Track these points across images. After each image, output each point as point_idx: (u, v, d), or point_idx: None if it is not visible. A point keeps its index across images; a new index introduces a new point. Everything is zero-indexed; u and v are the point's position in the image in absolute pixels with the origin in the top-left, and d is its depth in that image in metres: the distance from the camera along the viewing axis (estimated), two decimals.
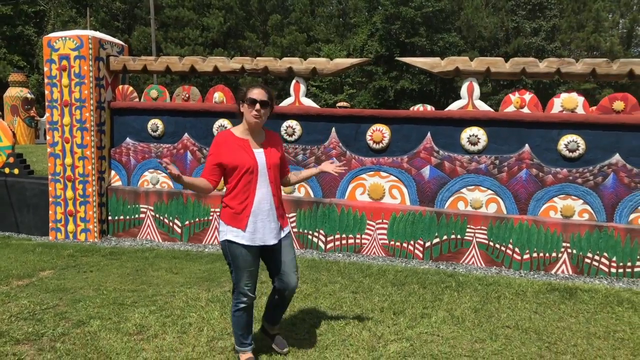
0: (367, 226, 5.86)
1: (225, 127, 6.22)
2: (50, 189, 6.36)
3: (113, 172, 6.63)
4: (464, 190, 5.67)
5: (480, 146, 5.57)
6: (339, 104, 19.43)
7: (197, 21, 29.93)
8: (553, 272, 5.41)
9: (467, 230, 5.58)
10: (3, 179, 6.68)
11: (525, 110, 5.52)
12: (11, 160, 6.73)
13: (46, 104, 6.34)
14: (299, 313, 3.92)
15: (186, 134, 6.39)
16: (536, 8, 28.81)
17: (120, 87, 6.59)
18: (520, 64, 5.51)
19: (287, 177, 3.25)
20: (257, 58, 6.24)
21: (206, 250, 6.02)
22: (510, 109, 5.56)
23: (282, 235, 3.04)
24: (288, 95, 6.26)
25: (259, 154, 2.93)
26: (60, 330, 3.52)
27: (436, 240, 5.67)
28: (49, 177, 6.37)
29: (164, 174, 6.51)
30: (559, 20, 29.11)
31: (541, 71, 5.47)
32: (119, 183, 6.63)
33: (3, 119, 18.81)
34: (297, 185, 6.12)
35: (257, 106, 2.85)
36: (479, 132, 5.56)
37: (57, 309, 3.94)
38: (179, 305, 4.05)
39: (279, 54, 28.81)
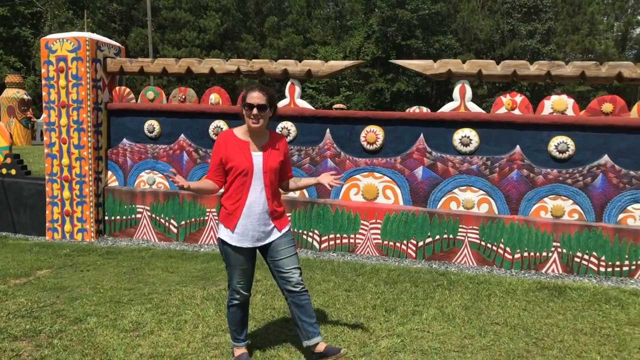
0: (361, 226, 5.94)
1: (222, 128, 6.30)
2: (47, 189, 6.42)
3: (110, 173, 6.69)
4: (456, 190, 5.76)
5: (472, 147, 5.66)
6: (335, 106, 19.51)
7: (194, 23, 30.00)
8: (543, 271, 5.50)
9: (459, 230, 5.66)
10: (0, 180, 6.73)
11: (517, 112, 5.61)
12: (8, 160, 6.79)
13: (43, 105, 6.41)
14: None
15: (182, 135, 6.46)
16: (531, 11, 29.00)
17: (117, 88, 6.66)
18: (511, 66, 5.60)
19: (286, 182, 3.21)
20: (253, 60, 6.32)
21: (202, 249, 6.09)
22: (502, 110, 5.66)
23: (278, 235, 3.03)
24: (284, 96, 6.33)
25: (257, 156, 2.93)
26: (58, 327, 3.59)
27: (429, 239, 5.76)
28: (46, 177, 6.43)
29: (160, 175, 6.57)
30: (554, 23, 29.31)
31: (532, 74, 5.57)
32: (115, 183, 6.70)
33: (0, 120, 18.82)
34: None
35: (255, 111, 2.86)
36: (471, 134, 5.65)
37: (54, 306, 4.00)
38: (175, 303, 4.12)
39: (276, 55, 28.92)
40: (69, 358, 3.14)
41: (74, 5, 32.10)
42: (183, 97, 6.47)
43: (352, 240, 5.98)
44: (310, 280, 4.79)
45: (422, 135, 5.84)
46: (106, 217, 6.63)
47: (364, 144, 5.96)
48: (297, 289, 3.02)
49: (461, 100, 5.72)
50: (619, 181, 5.37)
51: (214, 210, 6.32)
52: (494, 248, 5.60)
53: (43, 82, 6.41)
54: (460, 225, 5.66)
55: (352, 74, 29.48)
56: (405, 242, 5.83)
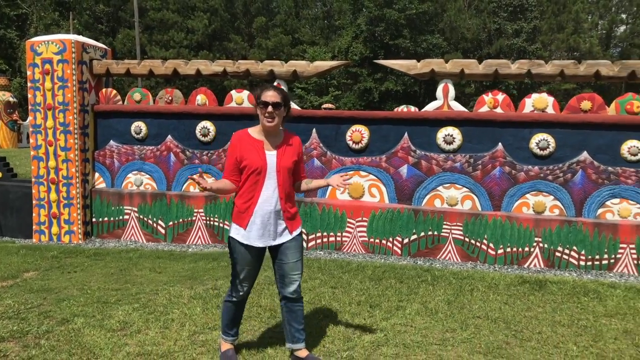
0: (348, 224, 6.02)
1: (208, 129, 6.34)
2: (34, 191, 6.42)
3: (97, 174, 6.71)
4: (440, 188, 5.86)
5: (455, 145, 5.76)
6: (324, 106, 19.59)
7: (182, 24, 29.91)
8: (526, 265, 5.61)
9: (444, 226, 5.76)
10: None
11: (499, 110, 5.72)
12: None
13: (29, 107, 6.41)
14: (279, 307, 4.05)
15: (169, 136, 6.49)
16: (517, 10, 29.29)
17: (104, 90, 6.68)
18: (492, 65, 5.71)
19: (299, 182, 3.18)
20: (239, 61, 6.38)
21: (190, 250, 6.13)
22: (484, 109, 5.76)
23: (289, 237, 3.03)
24: None
25: (271, 156, 2.94)
26: (45, 328, 3.61)
27: (414, 236, 5.85)
28: (33, 179, 6.43)
29: (147, 176, 6.60)
30: (539, 21, 29.62)
31: (513, 72, 5.68)
32: (103, 185, 6.71)
33: None
34: None
35: (270, 108, 2.87)
36: (454, 132, 5.75)
37: (42, 308, 4.03)
38: (162, 303, 4.16)
39: (264, 56, 28.91)
40: (56, 358, 3.18)
41: (60, 6, 31.86)
42: (170, 98, 6.51)
43: (338, 239, 6.06)
44: None
45: (406, 134, 5.93)
46: (94, 219, 6.64)
47: (350, 143, 6.04)
48: (294, 297, 3.07)
49: (444, 99, 5.82)
50: (598, 177, 5.50)
51: (201, 210, 6.36)
52: (478, 244, 5.70)
53: (29, 84, 6.41)
54: (445, 222, 5.76)
55: (340, 74, 29.57)
56: (390, 239, 5.91)
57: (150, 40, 29.73)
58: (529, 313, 4.08)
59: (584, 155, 5.53)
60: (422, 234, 5.83)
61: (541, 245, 5.57)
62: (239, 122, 6.31)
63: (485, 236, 5.68)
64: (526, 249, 5.60)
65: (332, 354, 3.26)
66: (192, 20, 29.97)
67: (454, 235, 5.76)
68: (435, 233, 5.80)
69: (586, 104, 5.52)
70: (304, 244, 6.10)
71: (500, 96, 5.75)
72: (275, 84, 6.21)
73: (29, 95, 6.40)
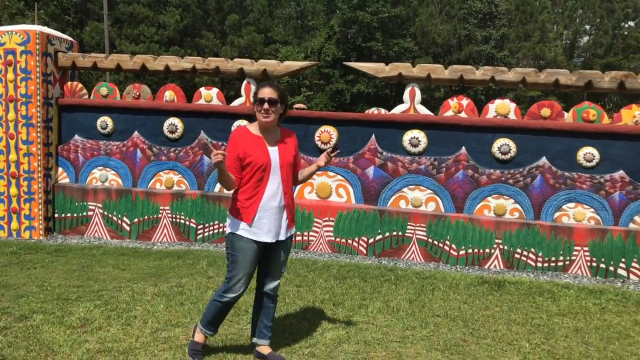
0: (315, 224, 6.07)
1: (176, 126, 6.30)
2: None
3: (60, 169, 6.57)
4: (405, 189, 5.98)
5: (420, 148, 5.89)
6: (295, 106, 19.60)
7: (153, 18, 29.40)
8: (486, 266, 5.79)
9: (408, 227, 5.88)
10: None
11: (463, 114, 5.88)
12: None
13: None
14: (242, 305, 4.08)
15: (136, 132, 6.42)
16: (487, 17, 29.95)
17: (69, 83, 6.55)
18: (458, 71, 5.87)
19: (296, 175, 3.20)
20: (209, 58, 6.35)
21: (155, 247, 6.08)
22: (449, 113, 5.91)
23: (288, 235, 3.06)
24: (240, 95, 6.39)
25: (273, 151, 2.96)
26: (2, 324, 3.54)
27: (379, 236, 5.95)
28: None
29: (113, 172, 6.50)
30: (507, 29, 30.37)
31: (477, 78, 5.84)
32: (66, 180, 6.58)
33: None
34: None
35: (265, 105, 2.88)
36: (420, 135, 5.88)
37: None
38: (125, 300, 4.13)
39: (237, 54, 28.71)
40: (13, 354, 3.12)
41: None
42: (137, 93, 6.43)
43: (305, 238, 6.11)
44: None
45: (373, 136, 6.03)
46: (56, 215, 6.50)
47: (319, 143, 6.10)
48: (272, 294, 3.14)
49: (411, 103, 5.94)
50: (555, 182, 5.72)
51: (167, 208, 6.31)
52: (440, 245, 5.85)
53: None
54: (409, 223, 5.88)
55: (312, 74, 29.64)
56: (356, 239, 6.00)
57: (120, 34, 29.12)
58: (487, 312, 4.22)
59: (543, 160, 5.73)
60: (387, 234, 5.94)
61: (501, 247, 5.75)
62: (207, 120, 6.30)
63: (448, 237, 5.83)
64: (487, 250, 5.78)
65: (294, 351, 3.31)
66: (163, 15, 29.50)
67: (417, 236, 5.89)
68: (400, 233, 5.92)
69: (546, 111, 5.73)
70: None
71: (465, 101, 5.91)
72: (245, 83, 6.23)
73: None
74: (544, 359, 3.36)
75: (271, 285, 3.12)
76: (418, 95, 5.95)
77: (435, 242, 5.86)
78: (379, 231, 5.95)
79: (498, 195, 5.83)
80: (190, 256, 5.59)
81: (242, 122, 6.18)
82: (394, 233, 5.92)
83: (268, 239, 2.95)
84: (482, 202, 5.85)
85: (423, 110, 5.96)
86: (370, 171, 6.04)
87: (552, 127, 5.66)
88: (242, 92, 6.27)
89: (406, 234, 5.90)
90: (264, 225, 2.93)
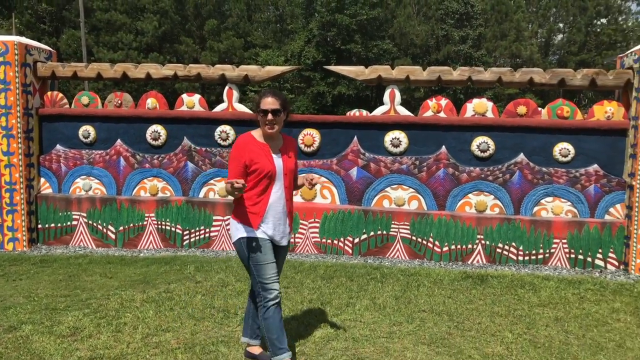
0: (300, 226, 6.14)
1: (159, 133, 6.32)
2: None
3: (43, 180, 6.53)
4: (388, 189, 6.09)
5: (402, 148, 6.01)
6: None
7: (131, 25, 29.19)
8: (469, 262, 5.92)
9: (392, 226, 5.99)
10: None
11: (442, 114, 6.01)
12: None
13: None
14: (232, 308, 4.13)
15: (119, 140, 6.42)
16: (463, 17, 30.37)
17: (49, 93, 6.52)
18: (436, 72, 6.00)
19: (296, 181, 3.23)
20: (190, 65, 6.39)
21: (141, 254, 6.08)
22: (429, 113, 6.04)
23: (288, 239, 3.12)
24: (222, 100, 6.43)
25: (277, 159, 3.00)
26: None
27: (364, 236, 6.05)
28: None
29: (96, 180, 6.49)
30: (484, 29, 30.83)
31: (454, 79, 5.98)
32: (49, 190, 6.55)
33: None
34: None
35: (269, 116, 2.91)
36: (401, 135, 6.00)
37: None
38: (114, 307, 4.15)
39: (216, 59, 28.65)
40: None
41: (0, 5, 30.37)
42: (119, 102, 6.43)
43: (291, 240, 6.16)
44: (250, 279, 4.93)
45: (355, 138, 6.12)
46: (39, 225, 6.46)
47: (302, 146, 6.17)
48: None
49: (391, 104, 6.06)
50: (533, 177, 5.88)
51: (152, 215, 6.32)
52: (424, 242, 5.97)
53: None
54: (393, 222, 5.99)
55: (293, 78, 29.71)
56: (342, 239, 6.09)
57: (98, 42, 28.83)
58: (471, 305, 4.34)
59: (521, 156, 5.89)
60: (372, 233, 6.04)
61: (483, 242, 5.89)
62: (190, 126, 6.33)
63: (431, 234, 5.95)
64: (469, 246, 5.91)
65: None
66: (141, 21, 29.31)
67: (401, 234, 6.00)
68: (384, 232, 6.02)
69: (522, 109, 5.89)
70: None
71: (444, 101, 6.04)
72: (227, 88, 6.28)
73: None
74: (526, 348, 3.48)
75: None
76: (398, 96, 6.06)
77: (419, 240, 5.98)
78: (364, 231, 6.04)
79: (478, 192, 5.97)
80: (177, 262, 5.61)
81: (225, 128, 6.23)
82: (379, 232, 6.02)
83: (274, 240, 3.00)
84: (464, 199, 5.99)
85: (403, 111, 6.08)
86: (354, 172, 6.13)
87: (529, 124, 5.82)
88: (225, 97, 6.31)
89: (390, 233, 6.01)
90: (269, 229, 2.97)
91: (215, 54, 29.70)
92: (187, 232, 6.33)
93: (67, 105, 6.52)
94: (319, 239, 6.13)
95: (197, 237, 6.33)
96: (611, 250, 5.70)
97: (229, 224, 6.14)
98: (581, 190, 5.80)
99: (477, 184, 5.97)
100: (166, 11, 29.68)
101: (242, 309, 4.10)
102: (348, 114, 6.37)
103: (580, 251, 5.74)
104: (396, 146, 6.00)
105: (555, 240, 5.77)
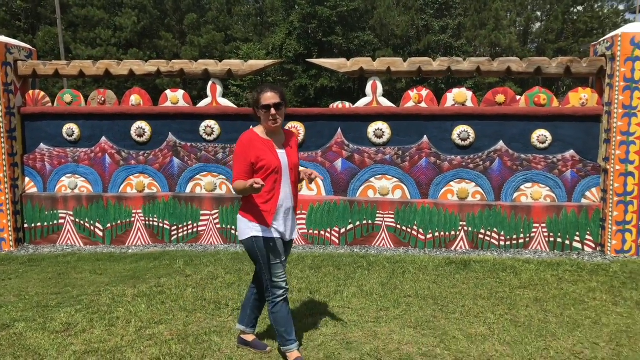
0: None
1: (144, 129, 6.34)
2: None
3: (27, 179, 6.52)
4: (372, 179, 6.21)
5: (385, 139, 6.13)
6: None
7: (109, 21, 28.79)
8: (453, 248, 6.08)
9: (377, 215, 6.12)
10: None
11: (423, 104, 6.13)
12: None
13: None
14: (223, 299, 4.22)
15: (104, 138, 6.42)
16: (443, 7, 30.56)
17: (31, 92, 6.49)
18: (416, 63, 6.11)
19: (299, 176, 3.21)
20: (173, 61, 6.41)
21: (130, 251, 6.12)
22: (410, 104, 6.16)
23: (296, 234, 3.16)
24: (206, 95, 6.47)
25: (282, 154, 2.99)
26: None
27: (350, 226, 6.17)
28: None
29: (82, 178, 6.50)
30: (463, 18, 31.09)
31: (434, 69, 6.10)
32: (34, 190, 6.53)
33: None
34: (218, 183, 6.38)
35: (273, 111, 2.90)
36: (384, 126, 6.11)
37: None
38: (106, 303, 4.20)
39: (197, 53, 28.46)
40: None
41: None
42: (102, 99, 6.43)
43: None
44: (240, 272, 5.02)
45: (339, 130, 6.22)
46: (25, 225, 6.46)
47: None
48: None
49: (373, 96, 6.16)
50: (513, 164, 6.05)
51: (140, 211, 6.36)
52: (409, 230, 6.11)
53: None
54: (378, 211, 6.12)
55: (276, 71, 29.66)
56: (328, 230, 6.20)
57: (75, 38, 28.39)
58: (454, 289, 4.49)
59: (500, 144, 6.05)
60: (358, 223, 6.16)
61: (466, 228, 6.05)
62: (174, 122, 6.36)
63: (415, 223, 6.09)
64: (452, 232, 6.07)
65: (275, 336, 3.47)
66: (119, 17, 28.92)
67: (386, 223, 6.13)
68: (370, 222, 6.14)
69: (500, 98, 6.04)
70: None
71: (424, 92, 6.16)
72: (210, 83, 6.31)
73: None
74: (507, 328, 3.63)
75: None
76: (380, 88, 6.17)
77: (404, 228, 6.12)
78: (350, 221, 6.16)
79: (460, 180, 6.13)
80: (166, 257, 5.67)
81: (210, 123, 6.27)
82: (364, 222, 6.15)
83: (284, 237, 3.04)
84: (446, 187, 6.14)
85: (385, 103, 6.18)
86: (339, 163, 6.24)
87: (507, 113, 5.97)
88: (209, 92, 6.35)
89: (376, 222, 6.14)
90: (280, 226, 3.00)
91: (195, 49, 29.49)
92: (175, 227, 6.38)
93: (50, 104, 6.49)
94: (306, 231, 6.23)
95: (185, 232, 6.38)
96: (588, 232, 5.91)
97: (216, 217, 6.21)
98: (559, 175, 5.99)
99: (458, 172, 6.12)
100: (145, 6, 29.34)
101: (233, 300, 4.20)
102: (331, 106, 6.45)
103: (559, 234, 5.94)
104: (379, 137, 6.12)
105: (535, 225, 5.96)
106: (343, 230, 6.19)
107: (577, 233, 5.92)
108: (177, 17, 31.84)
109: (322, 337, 3.47)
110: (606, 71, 5.80)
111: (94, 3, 28.82)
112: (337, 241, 6.21)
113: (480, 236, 6.05)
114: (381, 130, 6.10)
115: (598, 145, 5.92)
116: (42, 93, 6.51)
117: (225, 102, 6.36)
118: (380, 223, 6.13)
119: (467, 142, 6.05)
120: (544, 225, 5.94)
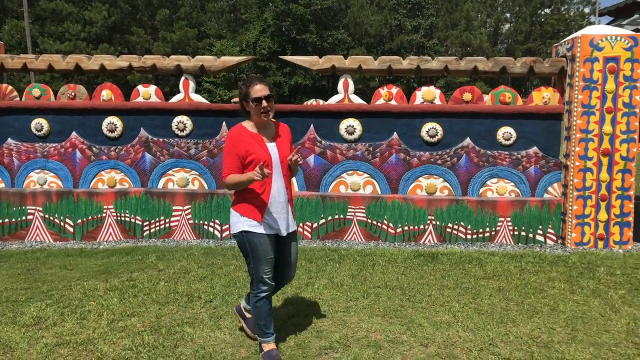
0: None
1: (115, 125, 6.31)
2: None
3: None
4: (344, 175, 6.33)
5: (356, 135, 6.25)
6: (234, 100, 19.58)
7: (78, 15, 28.21)
8: (421, 241, 6.25)
9: (349, 210, 6.25)
10: None
11: (393, 102, 6.28)
12: None
13: None
14: (195, 292, 4.27)
15: (74, 133, 6.37)
16: (415, 7, 31.02)
17: None
18: (386, 61, 6.25)
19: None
20: (145, 56, 6.39)
21: (101, 246, 6.09)
22: (381, 101, 6.30)
23: (294, 227, 3.14)
24: (178, 91, 6.47)
25: (272, 148, 2.96)
26: None
27: (322, 221, 6.28)
28: None
29: (52, 174, 6.42)
30: (435, 18, 31.60)
31: (404, 68, 6.26)
32: (2, 185, 6.43)
33: None
34: (190, 179, 6.39)
35: (264, 103, 2.87)
36: (355, 123, 6.23)
37: None
38: (77, 297, 4.20)
39: (169, 49, 28.16)
40: None
41: None
42: (73, 94, 6.37)
43: None
44: (212, 266, 5.07)
45: (312, 126, 6.32)
46: None
47: None
48: (288, 281, 3.29)
49: (345, 93, 6.28)
50: (479, 160, 6.26)
51: (111, 207, 6.33)
52: (379, 224, 6.25)
53: None
54: (349, 206, 6.24)
55: (249, 68, 29.55)
56: (301, 224, 6.30)
57: (42, 32, 27.73)
58: (422, 280, 4.64)
59: (467, 141, 6.25)
60: (330, 218, 6.27)
61: (434, 222, 6.23)
62: (147, 117, 6.35)
63: (386, 217, 6.24)
64: (421, 226, 6.24)
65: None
66: (89, 11, 28.36)
67: (358, 218, 6.26)
68: (341, 216, 6.27)
69: (467, 96, 6.24)
70: (218, 234, 6.32)
71: (395, 89, 6.31)
72: (183, 79, 6.32)
73: None
74: (471, 315, 3.80)
75: (290, 276, 3.25)
76: (351, 85, 6.29)
77: (374, 222, 6.26)
78: (322, 216, 6.27)
79: (429, 176, 6.30)
80: (138, 252, 5.67)
81: (182, 118, 6.29)
82: (336, 216, 6.27)
83: (279, 232, 3.02)
84: (415, 183, 6.30)
85: (357, 100, 6.31)
86: (311, 159, 6.34)
87: (474, 110, 6.17)
88: (181, 88, 6.36)
89: (347, 217, 6.26)
90: (273, 221, 2.98)
91: (168, 45, 29.16)
92: (147, 222, 6.37)
93: (18, 98, 6.40)
94: None
95: (158, 228, 6.38)
96: (550, 226, 6.16)
97: (189, 212, 6.22)
98: (522, 171, 6.22)
99: (427, 167, 6.29)
100: (115, 0, 28.83)
101: (206, 293, 4.25)
102: (305, 103, 6.53)
103: (523, 228, 6.17)
104: (351, 133, 6.24)
105: (500, 219, 6.18)
106: (315, 224, 6.29)
107: (540, 226, 6.16)
108: (149, 13, 31.41)
109: (293, 326, 3.57)
110: (567, 71, 6.05)
111: None
112: (309, 235, 6.31)
113: (448, 230, 6.23)
114: (352, 127, 6.23)
115: (559, 142, 6.17)
116: (10, 87, 6.41)
117: (198, 98, 6.38)
118: (352, 218, 6.26)
119: (435, 139, 6.23)
120: (508, 219, 6.17)
